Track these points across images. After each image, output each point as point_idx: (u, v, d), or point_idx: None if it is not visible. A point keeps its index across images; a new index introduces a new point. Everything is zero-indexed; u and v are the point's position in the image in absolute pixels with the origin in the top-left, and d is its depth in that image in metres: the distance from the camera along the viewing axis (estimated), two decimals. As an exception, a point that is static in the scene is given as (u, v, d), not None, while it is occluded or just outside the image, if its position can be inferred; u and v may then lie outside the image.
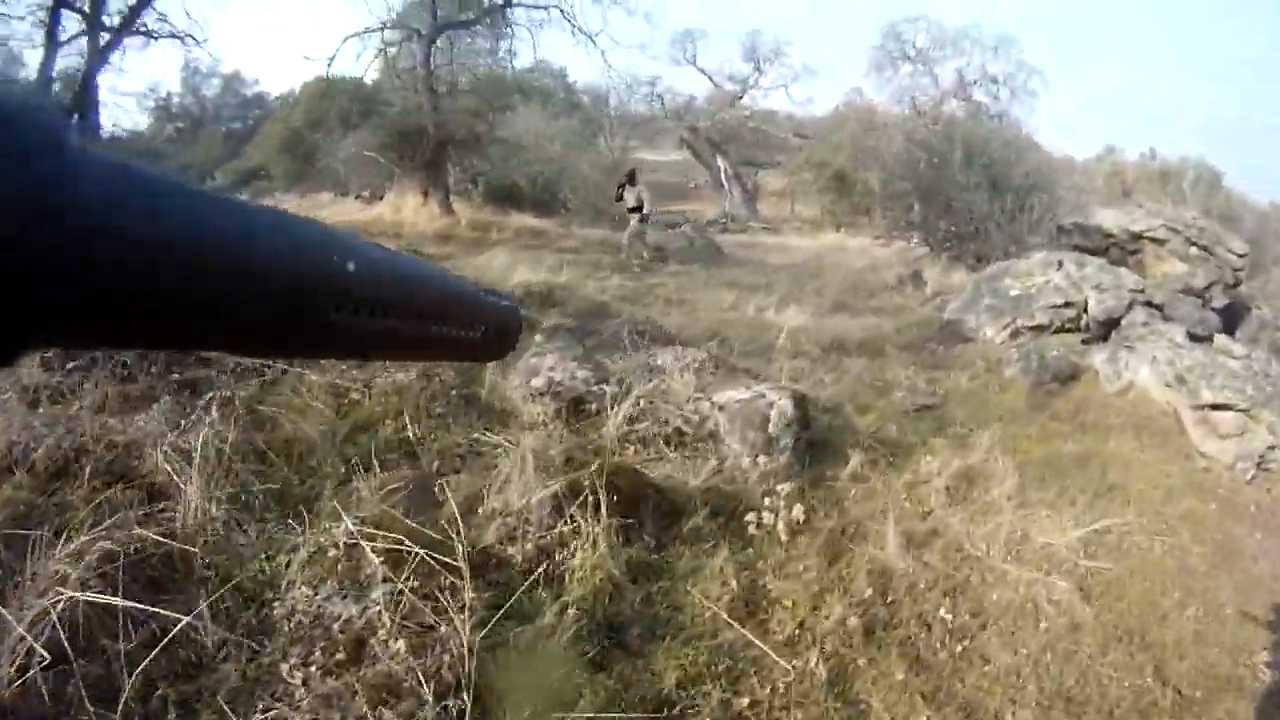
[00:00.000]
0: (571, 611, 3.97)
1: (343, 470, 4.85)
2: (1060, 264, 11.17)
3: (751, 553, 4.99)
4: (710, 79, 32.58)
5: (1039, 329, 10.78)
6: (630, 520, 4.77)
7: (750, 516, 5.17)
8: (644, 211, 15.77)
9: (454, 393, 6.00)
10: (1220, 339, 9.53)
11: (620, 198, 15.93)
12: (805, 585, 4.68)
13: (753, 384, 6.52)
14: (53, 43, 17.23)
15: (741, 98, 32.25)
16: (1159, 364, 8.30)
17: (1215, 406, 7.39)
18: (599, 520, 4.49)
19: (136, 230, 0.33)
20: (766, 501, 5.24)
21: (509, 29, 20.89)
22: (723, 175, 30.69)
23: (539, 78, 28.63)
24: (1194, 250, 11.41)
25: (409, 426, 5.46)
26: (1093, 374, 9.09)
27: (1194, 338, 9.20)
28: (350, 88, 23.04)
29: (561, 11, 18.99)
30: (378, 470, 4.85)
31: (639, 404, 6.09)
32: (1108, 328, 10.30)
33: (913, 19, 31.02)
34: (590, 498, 4.59)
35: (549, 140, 21.34)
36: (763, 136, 31.39)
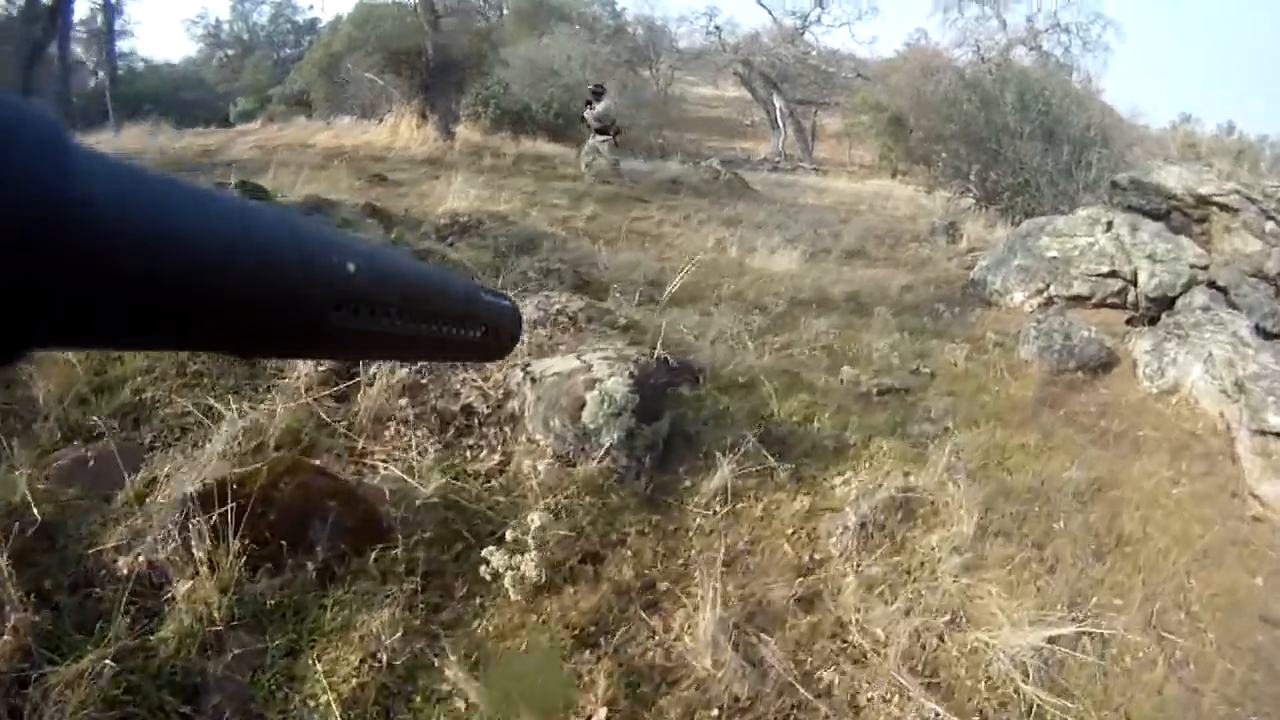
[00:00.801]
0: (108, 664, 2.62)
1: (58, 439, 3.81)
2: (1109, 225, 8.71)
3: (463, 610, 3.06)
4: (770, 12, 29.62)
5: (1076, 300, 8.41)
6: (286, 542, 3.15)
7: (489, 553, 3.19)
8: (610, 129, 13.80)
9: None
10: (1296, 339, 7.10)
11: (596, 116, 13.85)
12: (500, 685, 2.74)
13: (592, 349, 4.47)
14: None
15: (803, 33, 29.29)
16: (1215, 364, 5.96)
17: (1284, 435, 5.09)
18: (219, 540, 3.04)
19: (138, 230, 0.32)
20: (510, 535, 3.25)
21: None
22: (777, 113, 28.01)
23: (587, 4, 26.35)
24: (1271, 225, 8.80)
25: (151, 387, 4.20)
26: (1130, 366, 6.76)
27: (1263, 334, 6.78)
28: (394, 12, 21.13)
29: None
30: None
31: (420, 372, 4.18)
32: (1159, 308, 7.89)
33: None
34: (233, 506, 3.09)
35: (579, 65, 19.09)
36: (823, 75, 28.52)
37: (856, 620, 3.32)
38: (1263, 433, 5.17)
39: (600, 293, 6.46)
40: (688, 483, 4.11)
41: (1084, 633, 3.37)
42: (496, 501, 3.76)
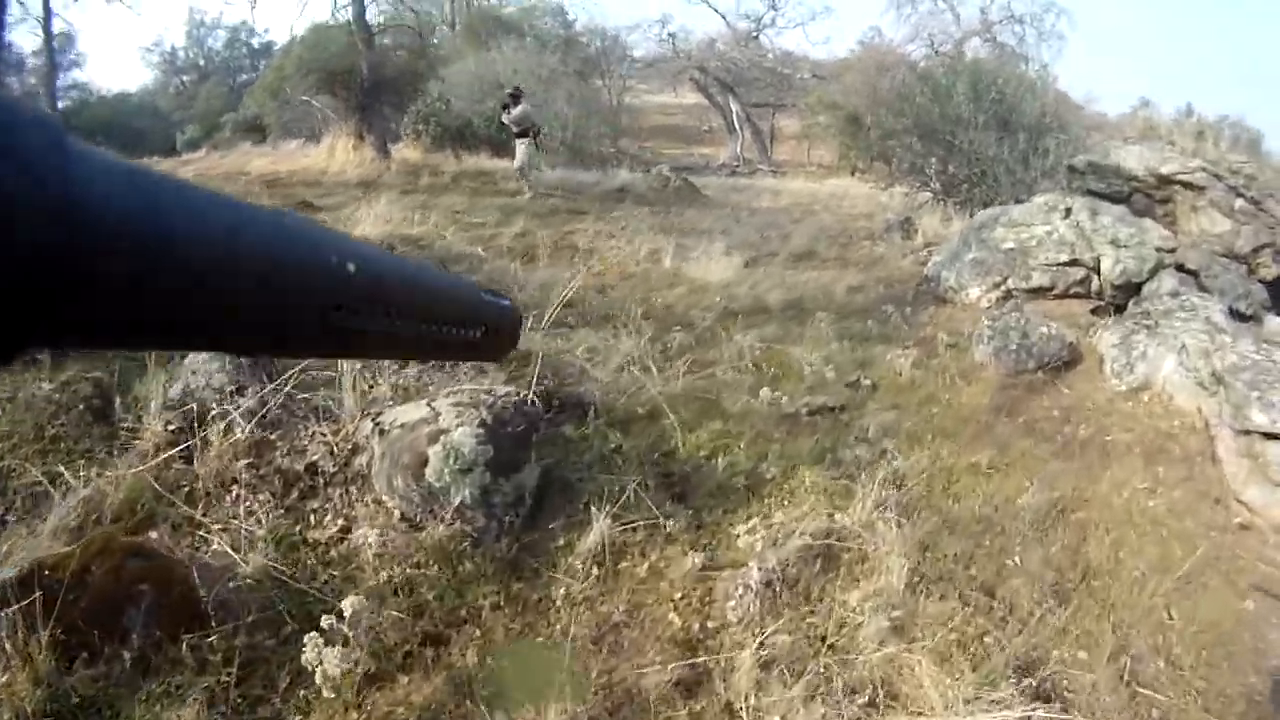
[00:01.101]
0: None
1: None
2: (1068, 211, 8.08)
3: (283, 707, 2.62)
4: (723, 17, 29.02)
5: (1036, 292, 7.78)
6: (99, 630, 2.69)
7: (310, 640, 2.64)
8: (530, 131, 12.95)
9: (83, 405, 3.93)
10: (1274, 322, 6.47)
11: (512, 120, 12.96)
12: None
13: (449, 392, 3.81)
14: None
15: (756, 36, 28.73)
16: (1189, 355, 5.33)
17: (1270, 435, 4.42)
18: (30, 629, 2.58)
19: (137, 231, 0.32)
20: (327, 622, 2.64)
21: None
22: (733, 117, 27.42)
23: (538, 16, 25.70)
24: (1240, 203, 8.20)
25: (10, 454, 3.62)
26: (1096, 362, 6.12)
27: (1238, 317, 6.16)
28: (342, 33, 20.43)
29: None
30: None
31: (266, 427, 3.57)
32: (1125, 295, 7.27)
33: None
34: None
35: (525, 77, 18.46)
36: (779, 78, 27.95)
37: (750, 708, 2.63)
38: (1246, 432, 4.52)
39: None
40: (562, 541, 3.42)
41: (1031, 714, 2.67)
42: (332, 576, 3.10)
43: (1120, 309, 7.17)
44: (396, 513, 3.35)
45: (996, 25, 25.35)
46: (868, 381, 5.58)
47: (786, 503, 3.79)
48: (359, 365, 4.06)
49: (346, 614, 2.71)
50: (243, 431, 3.69)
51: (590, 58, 25.59)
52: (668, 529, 3.46)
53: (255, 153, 17.87)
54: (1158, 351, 5.56)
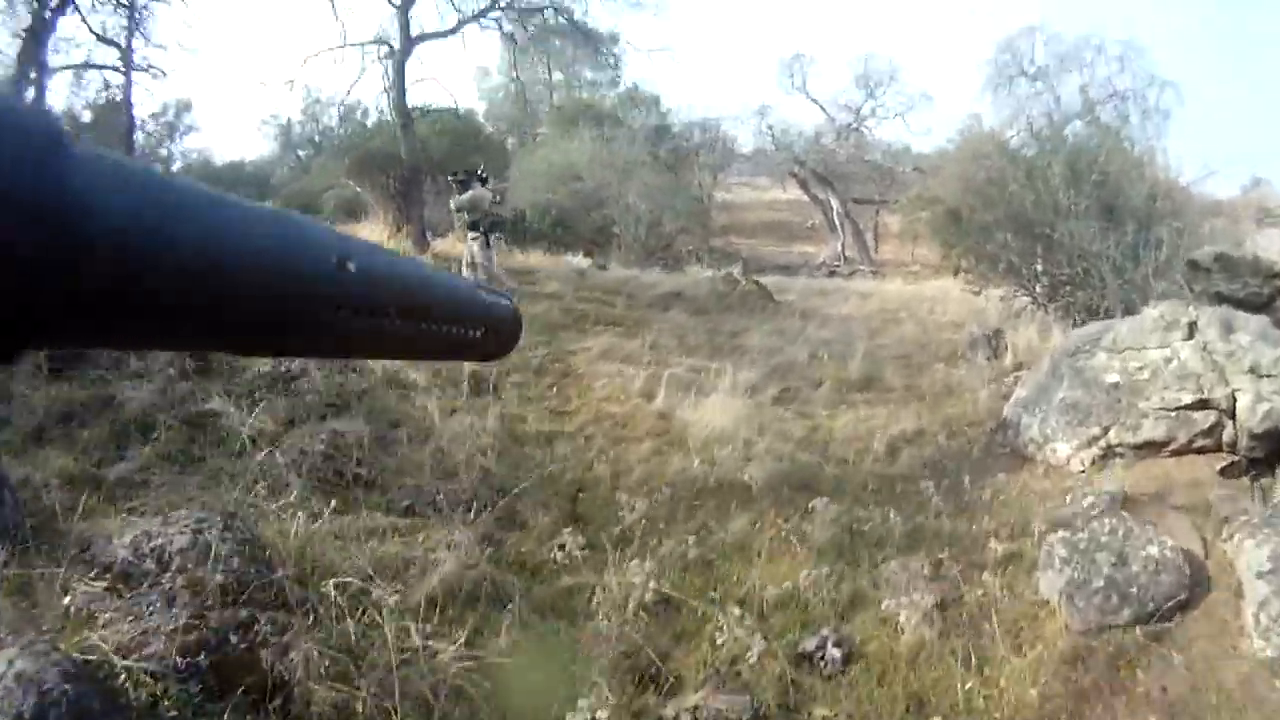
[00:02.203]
0: None
1: None
2: (1191, 328, 5.50)
3: None
4: (822, 107, 26.69)
5: (1148, 448, 5.30)
6: None
7: None
8: (482, 228, 9.93)
9: None
10: None
11: (458, 206, 10.23)
12: None
13: None
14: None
15: (856, 128, 26.32)
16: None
17: None
18: None
19: (138, 231, 0.31)
20: None
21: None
22: (834, 214, 24.93)
23: (634, 106, 24.20)
24: None
25: None
26: (1229, 594, 3.65)
27: None
28: (441, 116, 19.40)
29: (555, 10, 14.35)
30: None
31: None
32: (1269, 447, 4.73)
33: (1029, 30, 23.95)
34: None
35: (598, 167, 16.90)
36: (882, 173, 25.39)
37: None
38: None
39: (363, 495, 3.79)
40: None
41: None
42: None
43: (1260, 467, 4.62)
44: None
45: (1099, 105, 22.19)
46: (836, 651, 3.26)
47: None
48: None
49: None
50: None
51: (680, 150, 23.80)
52: None
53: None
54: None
